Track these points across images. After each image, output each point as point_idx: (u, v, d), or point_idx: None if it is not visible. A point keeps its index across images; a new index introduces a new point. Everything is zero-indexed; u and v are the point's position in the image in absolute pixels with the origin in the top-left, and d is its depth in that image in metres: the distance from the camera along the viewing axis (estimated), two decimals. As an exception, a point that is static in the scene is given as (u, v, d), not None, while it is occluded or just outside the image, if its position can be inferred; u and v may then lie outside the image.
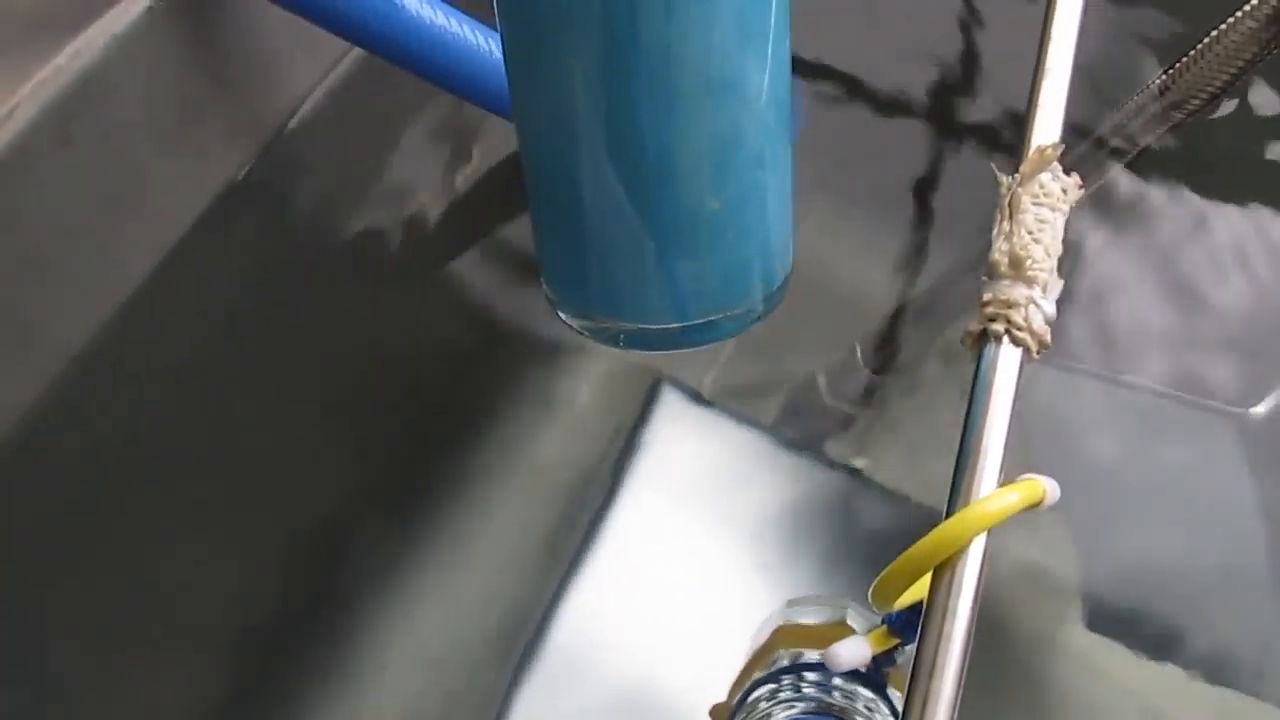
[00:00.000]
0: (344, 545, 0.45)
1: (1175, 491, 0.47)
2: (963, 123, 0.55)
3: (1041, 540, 0.46)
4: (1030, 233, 0.29)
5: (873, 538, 0.47)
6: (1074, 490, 0.45)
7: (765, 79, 0.31)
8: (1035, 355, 0.29)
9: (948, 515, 0.27)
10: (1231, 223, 0.51)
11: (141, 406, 0.46)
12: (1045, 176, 0.30)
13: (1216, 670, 0.44)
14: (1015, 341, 0.28)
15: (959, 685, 0.25)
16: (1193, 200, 0.51)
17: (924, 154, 0.54)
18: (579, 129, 0.31)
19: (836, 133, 0.55)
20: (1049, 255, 0.29)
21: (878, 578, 0.28)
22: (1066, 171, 0.30)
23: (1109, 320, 0.50)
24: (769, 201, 0.34)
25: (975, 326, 0.29)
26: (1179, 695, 0.43)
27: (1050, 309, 0.29)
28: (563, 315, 0.36)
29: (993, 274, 0.29)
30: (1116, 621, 0.45)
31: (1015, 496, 0.27)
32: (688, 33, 0.29)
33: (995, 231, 0.29)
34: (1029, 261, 0.28)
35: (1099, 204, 0.51)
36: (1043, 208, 0.29)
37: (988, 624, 0.26)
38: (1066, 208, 0.30)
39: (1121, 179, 0.50)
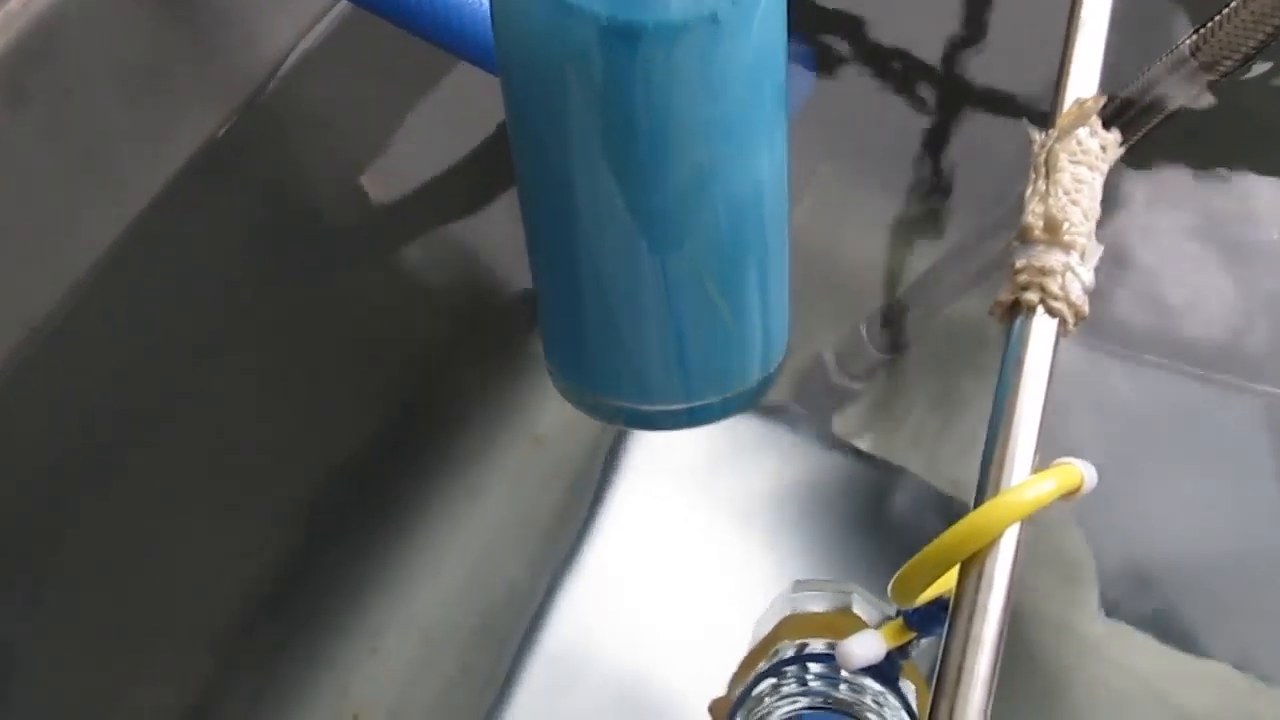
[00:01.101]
0: (333, 525, 0.44)
1: (1199, 474, 0.45)
2: (973, 86, 0.53)
3: (1049, 521, 0.44)
4: (1067, 193, 0.26)
5: (881, 519, 0.45)
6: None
7: (766, 169, 0.31)
8: (1072, 328, 0.26)
9: (976, 504, 0.24)
10: (1263, 187, 0.49)
11: (105, 382, 0.44)
12: (1083, 132, 0.27)
13: (1236, 658, 0.42)
14: (1051, 312, 0.26)
15: (989, 693, 0.23)
16: (1224, 166, 0.49)
17: (932, 120, 0.52)
18: (583, 220, 0.31)
19: (840, 100, 0.53)
20: (1087, 218, 0.26)
21: (899, 572, 0.25)
22: (1106, 127, 0.27)
23: (1132, 293, 0.48)
24: (769, 287, 0.34)
25: (1006, 296, 0.26)
26: (1195, 683, 0.42)
27: (1089, 277, 0.26)
28: (561, 391, 0.38)
29: (1026, 239, 0.26)
30: (1132, 607, 0.43)
31: (1051, 484, 0.24)
32: (691, 127, 0.28)
33: (1029, 192, 0.27)
34: (1066, 225, 0.26)
35: (1126, 169, 0.48)
36: (1080, 166, 0.27)
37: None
38: (1105, 166, 0.27)
39: (1150, 144, 0.48)
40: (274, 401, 0.45)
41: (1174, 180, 0.50)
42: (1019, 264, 0.26)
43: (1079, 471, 0.25)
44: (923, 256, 0.50)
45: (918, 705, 0.36)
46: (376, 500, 0.44)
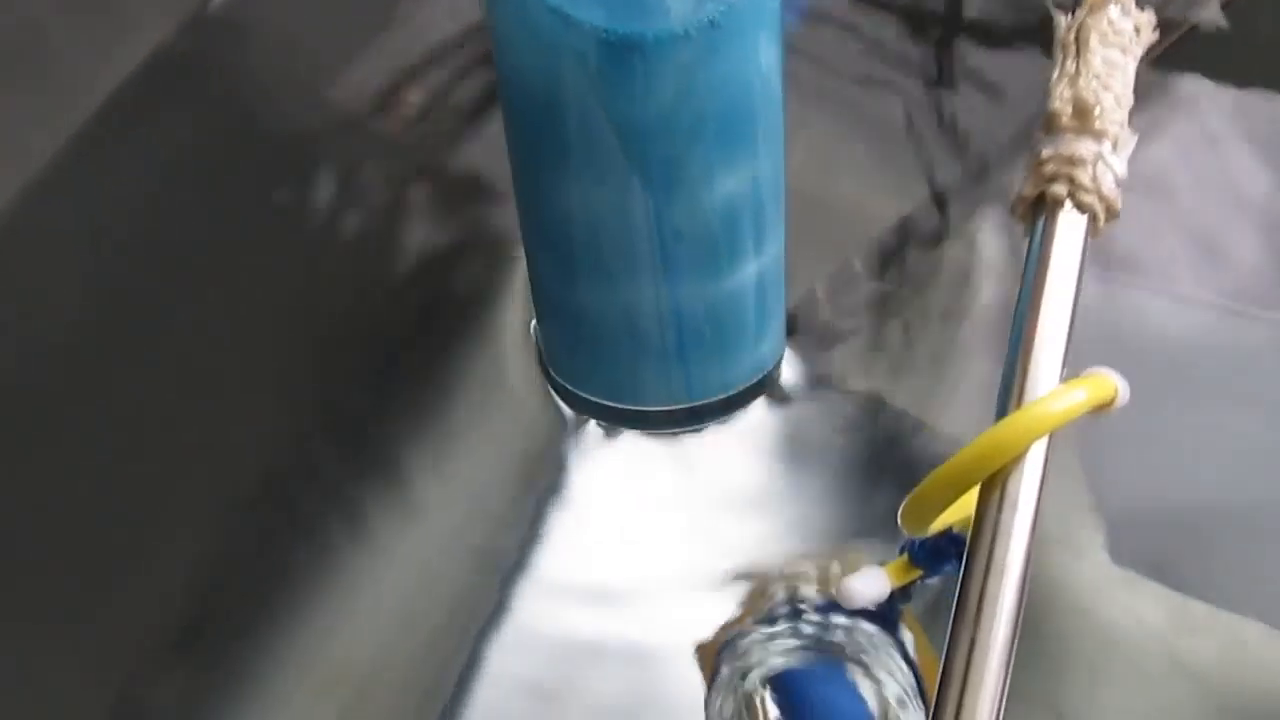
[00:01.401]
0: (302, 485, 0.41)
1: (1215, 414, 0.43)
2: (971, 17, 0.51)
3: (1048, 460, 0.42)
4: (1098, 77, 0.24)
5: (877, 464, 0.43)
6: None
7: (767, 168, 0.31)
8: (1103, 225, 0.23)
9: (999, 418, 0.22)
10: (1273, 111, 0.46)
11: (41, 307, 0.41)
12: (1114, 11, 0.24)
13: (1246, 606, 0.40)
14: (1080, 207, 0.23)
15: (1015, 626, 0.20)
16: (1231, 88, 0.47)
17: (927, 56, 0.50)
18: (583, 226, 0.32)
19: (833, 33, 0.51)
20: (1120, 105, 0.24)
21: (910, 495, 0.23)
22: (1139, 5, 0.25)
23: (1140, 223, 0.45)
24: (767, 287, 0.35)
25: (1030, 190, 0.23)
26: (1204, 631, 0.40)
27: (1121, 168, 0.23)
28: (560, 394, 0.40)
29: (1052, 127, 0.24)
30: (1141, 554, 0.41)
31: (1082, 394, 0.22)
32: (692, 132, 0.29)
33: (1054, 76, 0.24)
34: (1098, 110, 0.23)
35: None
36: (1112, 49, 0.24)
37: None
38: (1139, 51, 0.25)
39: (1160, 65, 0.46)
40: (227, 346, 0.43)
41: (1192, 100, 0.48)
42: (1045, 154, 0.23)
43: (1112, 382, 0.22)
44: (920, 192, 0.48)
45: (917, 654, 0.34)
46: (349, 461, 0.42)
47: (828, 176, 0.48)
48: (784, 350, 0.41)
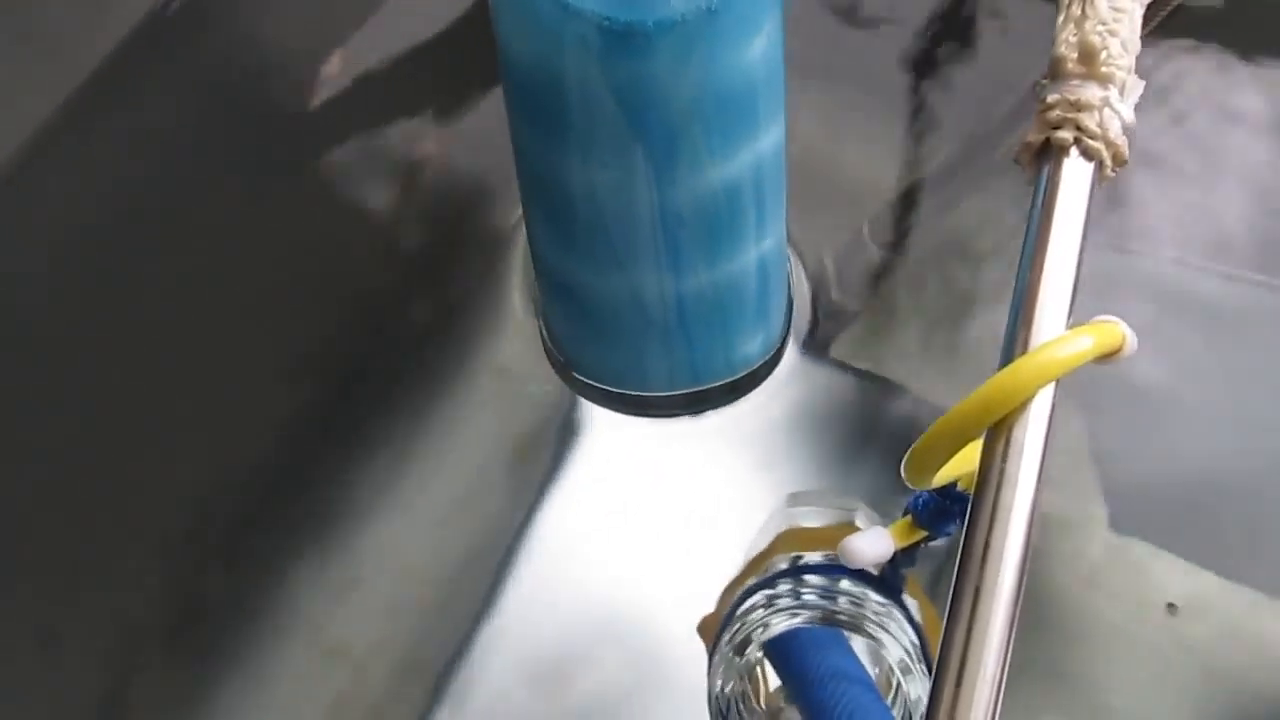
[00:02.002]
0: (299, 469, 0.41)
1: (1220, 382, 0.43)
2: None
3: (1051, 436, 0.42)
4: (1104, 23, 0.23)
5: (881, 440, 0.43)
6: (1101, 381, 0.42)
7: (768, 150, 0.32)
8: (1110, 172, 0.23)
9: (1003, 365, 0.21)
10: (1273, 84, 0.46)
11: (34, 272, 0.41)
12: (1121, -45, 0.24)
13: (1251, 578, 0.40)
14: (1087, 154, 0.23)
15: (1022, 573, 0.20)
16: (1232, 62, 0.47)
17: (929, 20, 0.49)
18: (587, 214, 0.32)
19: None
20: (1126, 50, 0.23)
21: (913, 446, 0.22)
22: None
23: (1141, 193, 0.45)
24: (770, 271, 0.36)
25: (1034, 136, 0.23)
26: (1208, 603, 0.40)
27: (1129, 114, 0.23)
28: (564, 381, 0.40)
29: (1057, 74, 0.23)
30: (1145, 527, 0.41)
31: (1089, 341, 0.21)
32: (693, 117, 0.29)
33: (1060, 20, 0.24)
34: (1104, 54, 0.23)
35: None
36: (1118, -6, 0.24)
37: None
38: (1146, -3, 0.24)
39: (1156, 37, 0.46)
40: (224, 324, 0.42)
41: (1191, 73, 0.47)
42: (1050, 99, 0.23)
43: (1119, 330, 0.22)
44: (925, 162, 0.48)
45: (922, 620, 0.33)
46: (349, 432, 0.41)
47: (835, 146, 0.47)
48: (788, 331, 0.41)
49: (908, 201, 0.47)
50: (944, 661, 0.19)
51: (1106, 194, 0.45)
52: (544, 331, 0.40)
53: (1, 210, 0.42)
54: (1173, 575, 0.40)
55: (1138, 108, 0.24)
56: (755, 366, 0.39)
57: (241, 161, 0.45)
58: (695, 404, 0.39)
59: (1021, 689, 0.37)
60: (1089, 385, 0.42)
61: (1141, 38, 0.31)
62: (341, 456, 0.41)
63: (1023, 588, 0.20)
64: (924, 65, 0.49)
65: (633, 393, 0.39)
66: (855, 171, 0.47)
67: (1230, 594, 0.39)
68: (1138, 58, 0.24)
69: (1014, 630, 0.20)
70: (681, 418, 0.40)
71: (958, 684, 0.19)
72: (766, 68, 0.29)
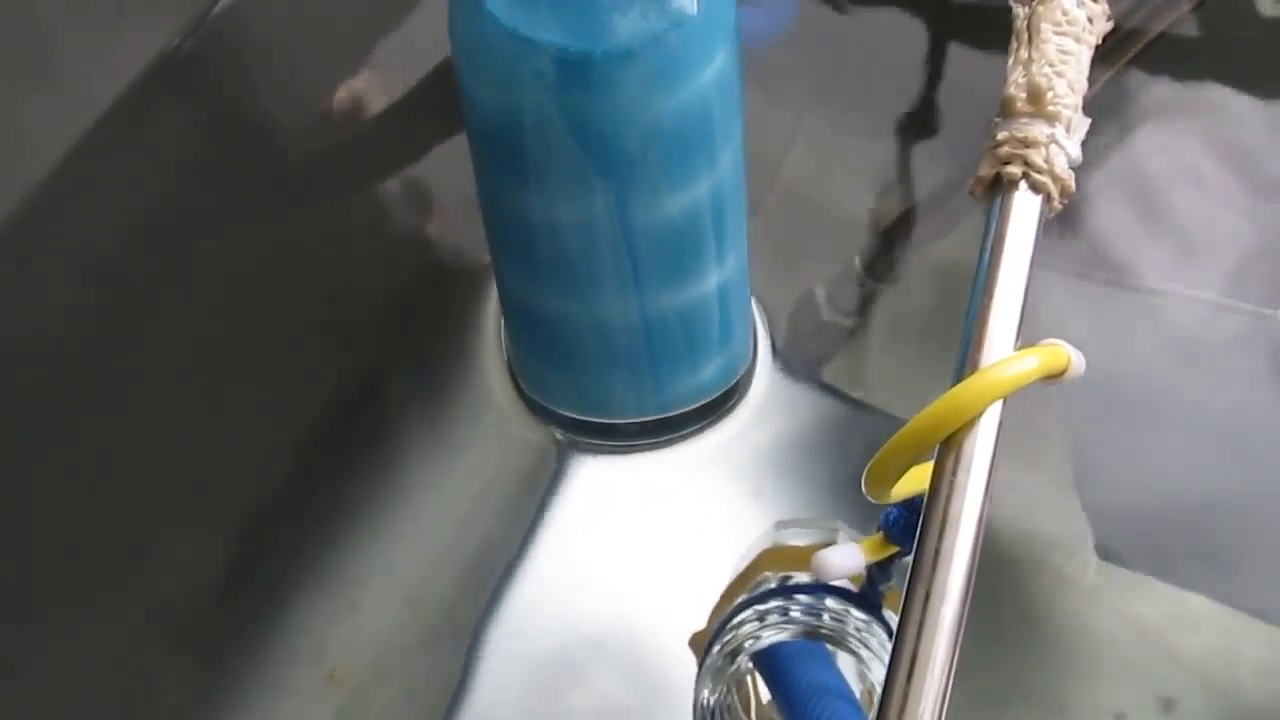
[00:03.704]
0: (307, 479, 0.42)
1: (1201, 411, 0.44)
2: (964, 18, 0.52)
3: (1039, 460, 0.42)
4: (1051, 65, 0.25)
5: (859, 464, 0.43)
6: (1081, 407, 0.42)
7: (726, 174, 0.32)
8: (1057, 204, 0.25)
9: (955, 384, 0.23)
10: (1246, 113, 0.47)
11: (44, 315, 0.42)
12: (1069, 2, 0.25)
13: (1237, 602, 0.41)
14: (1034, 187, 0.24)
15: (970, 576, 0.21)
16: (1210, 89, 0.48)
17: (920, 48, 0.50)
18: (547, 240, 0.32)
19: (826, 34, 0.51)
20: (1073, 90, 0.25)
21: (872, 460, 0.24)
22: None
23: (1120, 220, 0.46)
24: (731, 295, 0.36)
25: (986, 171, 0.25)
26: (1196, 628, 0.40)
27: (1075, 151, 0.25)
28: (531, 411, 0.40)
29: (1007, 112, 0.25)
30: (1134, 551, 0.42)
31: (1033, 361, 0.23)
32: (649, 144, 0.29)
33: (1010, 63, 0.25)
34: (1050, 94, 0.24)
35: (1109, 94, 0.47)
36: (1066, 37, 0.25)
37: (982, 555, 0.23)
38: (1093, 40, 0.26)
39: (1133, 68, 0.47)
40: (229, 346, 0.43)
41: (1164, 107, 0.48)
42: (1000, 136, 0.25)
43: (1064, 352, 0.23)
44: (916, 192, 0.49)
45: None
46: (349, 453, 0.42)
47: (825, 177, 0.48)
48: (753, 356, 0.41)
49: (895, 232, 0.48)
50: (896, 659, 0.21)
51: (1092, 221, 0.46)
52: (510, 362, 0.41)
53: (20, 244, 0.43)
54: (1165, 601, 0.40)
55: (1129, 133, 0.25)
56: (723, 390, 0.39)
57: (244, 198, 0.46)
58: (663, 430, 0.40)
59: (1010, 712, 0.38)
60: (1075, 408, 0.43)
61: (1120, 66, 0.32)
62: (340, 484, 0.41)
63: (970, 592, 0.21)
64: (915, 99, 0.50)
65: (601, 420, 0.39)
66: (846, 202, 0.48)
67: (1223, 618, 0.40)
68: (1117, 83, 0.26)
69: (962, 631, 0.21)
70: (667, 445, 0.40)
71: (909, 679, 0.20)
72: (720, 93, 0.30)
